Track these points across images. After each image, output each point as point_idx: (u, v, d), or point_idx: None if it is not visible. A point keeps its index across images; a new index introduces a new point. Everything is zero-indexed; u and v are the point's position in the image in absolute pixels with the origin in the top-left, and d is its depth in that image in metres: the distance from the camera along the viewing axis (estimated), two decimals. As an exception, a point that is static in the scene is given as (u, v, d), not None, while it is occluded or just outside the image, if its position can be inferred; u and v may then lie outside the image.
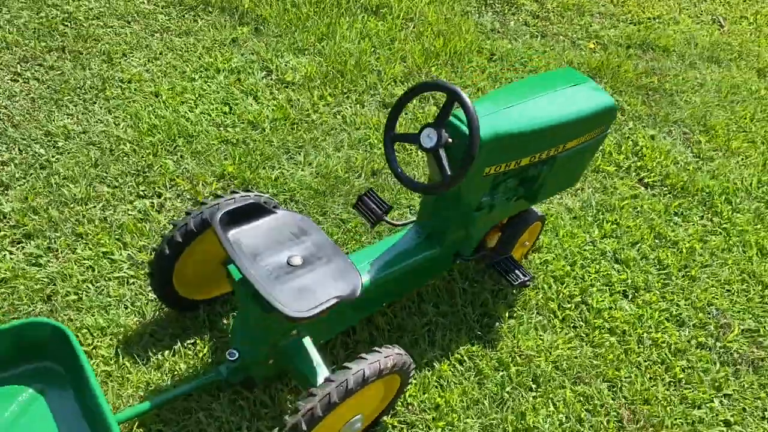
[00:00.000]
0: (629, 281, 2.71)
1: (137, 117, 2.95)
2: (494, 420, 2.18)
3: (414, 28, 3.91)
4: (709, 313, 2.66)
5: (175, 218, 2.55)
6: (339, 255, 1.91)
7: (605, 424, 2.24)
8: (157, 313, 2.27)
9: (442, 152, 1.93)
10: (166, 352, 2.16)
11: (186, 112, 3.04)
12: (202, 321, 2.26)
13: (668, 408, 2.32)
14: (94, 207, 2.55)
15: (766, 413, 2.38)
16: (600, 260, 2.78)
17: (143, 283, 2.33)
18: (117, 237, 2.46)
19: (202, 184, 2.73)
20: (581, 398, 2.29)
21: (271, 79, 3.35)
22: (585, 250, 2.81)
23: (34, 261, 2.33)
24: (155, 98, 3.08)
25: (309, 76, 3.38)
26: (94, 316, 2.21)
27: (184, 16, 3.62)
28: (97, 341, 2.15)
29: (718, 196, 3.17)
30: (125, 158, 2.76)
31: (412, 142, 1.99)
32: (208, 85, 3.22)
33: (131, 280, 2.34)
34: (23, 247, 2.37)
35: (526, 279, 2.37)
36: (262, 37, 3.59)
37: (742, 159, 3.43)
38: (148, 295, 2.30)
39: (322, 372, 1.95)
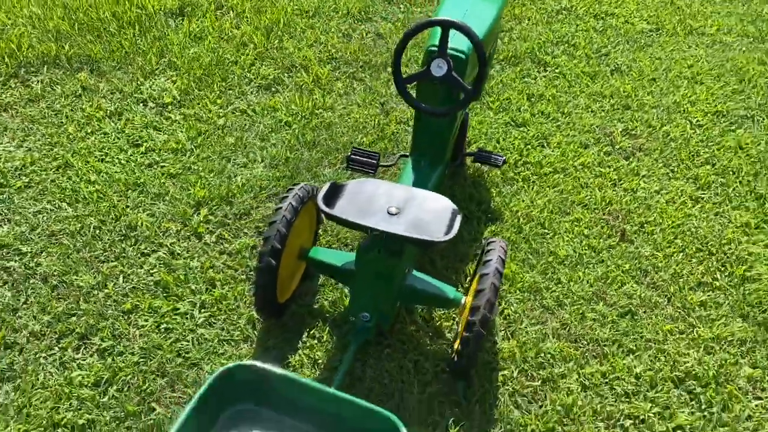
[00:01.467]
0: (537, 135, 3.38)
1: (72, 192, 2.75)
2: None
3: (230, 14, 4.01)
4: (596, 134, 3.45)
5: (227, 237, 2.56)
6: (417, 190, 2.19)
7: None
8: (251, 336, 2.34)
9: (455, 74, 2.29)
10: (296, 354, 2.28)
11: (111, 167, 2.90)
12: (290, 318, 2.39)
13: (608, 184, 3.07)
14: (115, 285, 2.42)
15: (664, 169, 3.25)
16: (508, 129, 3.40)
17: (218, 317, 2.36)
18: (164, 295, 2.41)
19: (188, 219, 2.71)
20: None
21: (153, 107, 3.28)
22: (493, 126, 3.40)
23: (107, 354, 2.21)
24: (68, 170, 2.87)
25: (182, 89, 3.37)
26: (210, 364, 2.22)
27: (10, 85, 3.29)
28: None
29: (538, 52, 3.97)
30: (100, 232, 2.61)
31: (424, 77, 2.31)
32: (105, 137, 3.06)
33: (211, 320, 2.35)
34: (88, 347, 2.22)
35: (503, 158, 2.88)
36: (106, 74, 3.44)
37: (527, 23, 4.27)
38: (234, 325, 2.34)
39: (449, 286, 2.28)
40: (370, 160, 2.73)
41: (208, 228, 2.69)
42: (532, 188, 3.06)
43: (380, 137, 3.24)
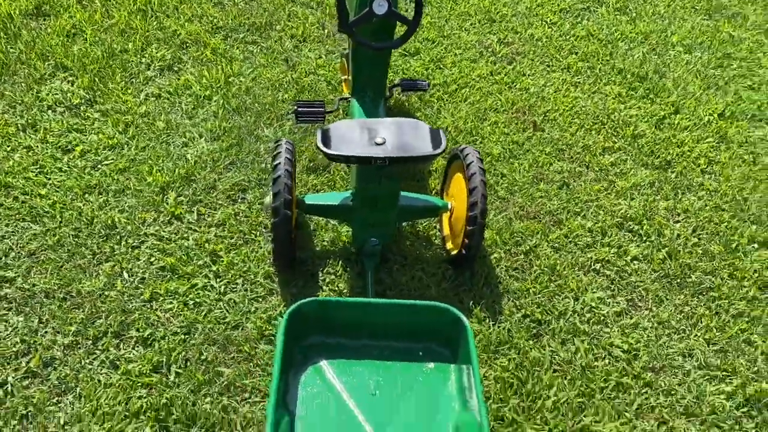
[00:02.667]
0: (432, 59, 3.72)
1: (30, 209, 2.64)
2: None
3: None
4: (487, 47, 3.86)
5: (206, 212, 2.61)
6: (388, 120, 2.44)
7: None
8: (275, 288, 2.48)
9: (395, 10, 2.52)
10: (321, 292, 2.47)
11: (54, 177, 2.80)
12: (300, 264, 2.57)
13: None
14: (122, 281, 2.43)
15: (542, 66, 3.75)
16: (405, 59, 3.70)
17: (236, 282, 2.47)
18: (175, 277, 2.46)
19: (160, 205, 2.73)
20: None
21: (64, 111, 3.15)
22: (391, 60, 3.68)
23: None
24: (11, 191, 2.73)
25: (85, 87, 3.26)
26: (250, 321, 2.35)
27: None
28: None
29: None
30: (80, 239, 2.55)
31: (368, 17, 2.51)
32: (30, 151, 2.92)
33: (231, 286, 2.46)
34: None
35: (426, 82, 3.18)
36: (-5, 89, 3.22)
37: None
38: (254, 284, 2.47)
39: (433, 197, 2.58)
40: (317, 109, 2.90)
41: (184, 209, 2.73)
42: (448, 106, 3.41)
43: (300, 90, 3.40)
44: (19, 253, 2.51)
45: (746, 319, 2.51)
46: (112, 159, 2.93)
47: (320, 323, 2.10)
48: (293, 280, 2.50)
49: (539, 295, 2.53)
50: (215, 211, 2.75)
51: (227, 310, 2.38)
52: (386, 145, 2.28)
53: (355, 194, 2.44)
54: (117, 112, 3.18)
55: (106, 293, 2.39)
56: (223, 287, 2.46)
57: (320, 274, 2.54)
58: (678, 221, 2.91)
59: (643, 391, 2.26)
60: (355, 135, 2.31)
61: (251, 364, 2.22)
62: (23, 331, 2.25)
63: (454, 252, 2.57)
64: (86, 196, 2.75)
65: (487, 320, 2.43)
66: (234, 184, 2.86)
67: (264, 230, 2.68)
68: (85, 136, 3.04)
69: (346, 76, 3.21)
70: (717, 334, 2.46)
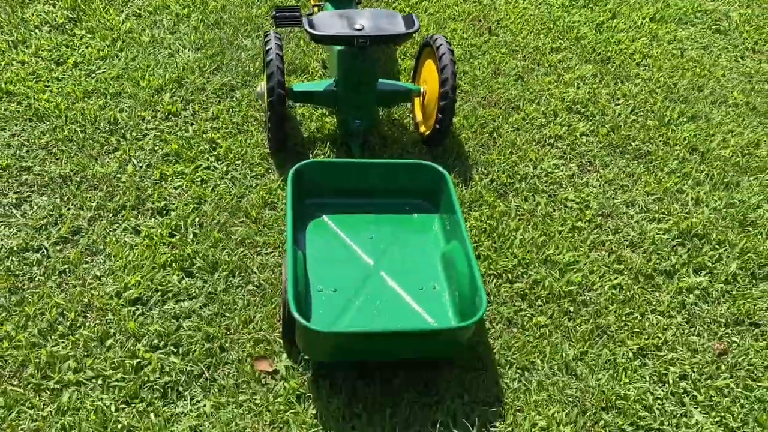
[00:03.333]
0: None
1: (35, 111, 2.85)
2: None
3: None
4: None
5: (199, 109, 2.86)
6: (362, 11, 2.72)
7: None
8: (271, 167, 2.77)
9: None
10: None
11: (53, 84, 3.00)
12: (292, 148, 2.86)
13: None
14: (132, 166, 2.66)
15: None
16: None
17: (235, 163, 2.74)
18: (180, 161, 2.71)
19: (156, 105, 2.96)
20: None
21: (51, 30, 3.32)
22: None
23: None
24: (12, 97, 2.91)
25: (69, 7, 3.43)
26: (254, 193, 2.63)
27: None
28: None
29: None
30: (87, 134, 2.77)
31: None
32: (25, 64, 3.10)
33: (232, 167, 2.73)
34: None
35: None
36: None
37: None
38: (251, 164, 2.75)
39: (406, 83, 2.90)
40: (294, 14, 3.16)
41: (179, 107, 2.98)
42: (410, 16, 3.71)
43: (271, 6, 3.64)
44: (32, 146, 2.72)
45: (678, 175, 2.94)
46: (105, 68, 3.14)
47: (319, 184, 2.41)
48: (287, 162, 2.78)
49: (503, 165, 2.89)
50: (208, 108, 3.00)
51: (231, 185, 2.66)
52: (365, 30, 2.58)
53: (338, 80, 2.73)
54: (103, 28, 3.37)
55: (119, 176, 2.64)
56: (224, 168, 2.73)
57: (310, 156, 2.83)
58: (618, 103, 3.31)
59: (595, 231, 2.65)
60: (337, 22, 2.60)
61: (259, 225, 2.51)
62: (49, 208, 2.48)
63: (428, 132, 2.89)
64: (86, 99, 2.97)
65: (460, 185, 2.77)
66: (222, 84, 3.11)
67: (254, 122, 2.95)
68: (76, 50, 3.23)
69: None
70: (654, 187, 2.87)
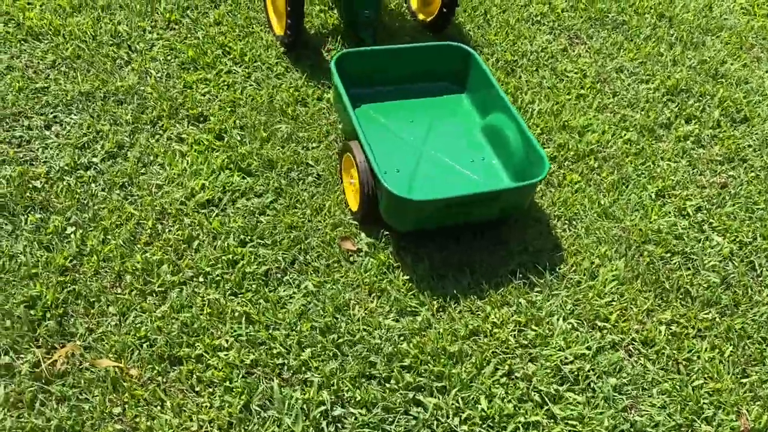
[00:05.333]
0: None
1: (29, 31, 2.68)
2: None
3: None
4: None
5: (199, 16, 2.79)
6: None
7: None
8: (290, 67, 2.79)
9: None
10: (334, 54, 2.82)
11: (44, 4, 2.82)
12: (303, 45, 2.88)
13: None
14: (152, 77, 2.60)
15: None
16: None
17: (253, 65, 2.74)
18: (200, 68, 2.67)
19: (153, 16, 2.86)
20: None
21: None
22: None
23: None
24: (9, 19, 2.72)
25: None
26: (280, 92, 2.66)
27: None
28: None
29: None
30: (91, 49, 2.66)
31: None
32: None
33: (250, 70, 2.73)
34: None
35: None
36: None
37: None
38: (270, 64, 2.76)
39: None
40: None
41: (177, 15, 2.89)
42: None
43: None
44: (38, 66, 2.59)
45: (653, 40, 3.22)
46: None
47: (354, 74, 2.47)
48: (303, 57, 2.81)
49: (503, 44, 3.05)
50: (207, 13, 2.93)
51: (258, 87, 2.67)
52: None
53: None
54: None
55: (143, 88, 2.58)
56: (245, 71, 2.72)
57: (323, 52, 2.87)
58: (587, -20, 3.53)
59: (597, 96, 2.90)
60: None
61: (298, 121, 2.57)
62: (83, 126, 2.42)
63: (431, 18, 2.99)
64: (75, 14, 2.81)
65: (470, 66, 2.92)
66: (215, -10, 3.03)
67: (257, 23, 2.93)
68: None
69: None
70: (636, 53, 3.14)
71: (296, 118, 2.58)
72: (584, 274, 2.23)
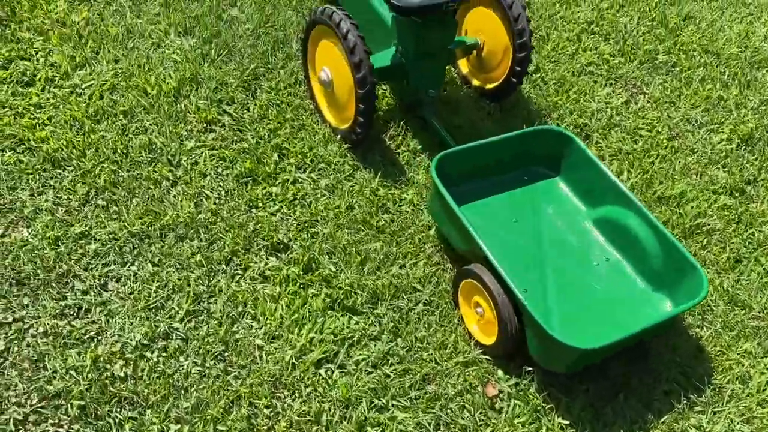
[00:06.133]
0: None
1: (50, 150, 2.21)
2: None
3: None
4: None
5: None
6: None
7: None
8: (359, 165, 2.44)
9: None
10: (399, 155, 2.48)
11: (48, 114, 2.33)
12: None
13: None
14: (219, 203, 2.21)
15: None
16: None
17: (320, 169, 2.38)
18: (269, 178, 2.30)
19: (187, 117, 2.43)
20: None
21: (-16, 39, 2.54)
22: None
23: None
24: None
25: (-10, 6, 2.62)
26: (362, 196, 2.32)
27: None
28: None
29: None
30: (130, 167, 2.22)
31: None
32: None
33: (324, 172, 2.37)
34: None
35: None
36: None
37: None
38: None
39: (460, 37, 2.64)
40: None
41: (213, 112, 2.48)
42: None
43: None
44: (69, 204, 2.14)
45: (708, 81, 3.05)
46: (91, 80, 2.49)
47: (451, 175, 2.17)
48: (368, 150, 2.47)
49: (568, 105, 2.80)
50: (247, 107, 2.53)
51: (332, 196, 2.32)
52: None
53: (407, 50, 2.41)
54: (52, 25, 2.64)
55: (203, 216, 2.18)
56: (311, 176, 2.36)
57: (386, 140, 2.53)
58: (624, 15, 3.31)
59: (677, 156, 2.70)
60: None
61: (386, 233, 2.24)
62: (146, 278, 2.00)
63: (491, 85, 2.69)
64: (96, 126, 2.36)
65: (542, 137, 2.66)
66: (244, 74, 2.62)
67: (304, 112, 2.55)
68: (35, 60, 2.52)
69: None
70: (695, 98, 2.96)
71: (383, 230, 2.25)
72: (736, 380, 2.04)
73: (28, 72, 2.47)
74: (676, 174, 2.63)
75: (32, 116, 2.35)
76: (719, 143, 2.79)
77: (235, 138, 2.42)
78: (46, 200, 2.13)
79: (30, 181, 2.17)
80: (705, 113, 2.91)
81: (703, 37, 3.26)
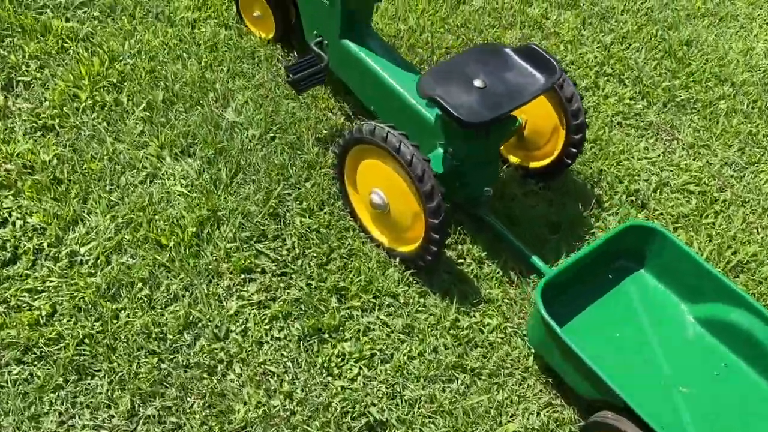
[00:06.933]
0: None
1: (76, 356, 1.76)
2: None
3: None
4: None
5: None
6: (473, 53, 2.09)
7: None
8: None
9: None
10: (464, 264, 2.18)
11: (53, 297, 1.86)
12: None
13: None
14: (290, 379, 1.83)
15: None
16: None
17: (390, 306, 2.05)
18: (336, 333, 1.94)
19: (219, 269, 2.02)
20: None
21: None
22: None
23: None
24: None
25: None
26: (447, 334, 2.00)
27: None
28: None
29: None
30: (172, 353, 1.80)
31: None
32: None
33: (393, 310, 2.03)
34: None
35: None
36: None
37: None
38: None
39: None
40: (313, 67, 2.31)
41: (245, 256, 2.07)
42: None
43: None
44: (112, 422, 1.71)
45: (732, 115, 2.91)
46: (89, 243, 2.02)
47: (549, 298, 1.90)
48: (432, 270, 2.15)
49: (612, 169, 2.58)
50: (283, 239, 2.14)
51: (409, 340, 1.99)
52: (490, 86, 1.99)
53: (471, 153, 2.10)
54: (19, 172, 2.13)
55: (276, 404, 1.80)
56: (380, 319, 2.02)
57: (449, 252, 2.22)
58: (629, 49, 3.12)
59: (732, 211, 2.54)
60: (456, 85, 1.97)
61: (484, 379, 1.95)
62: None
63: (536, 164, 2.43)
64: (115, 305, 1.91)
65: (600, 211, 2.43)
66: (268, 197, 2.22)
67: (348, 233, 2.20)
68: (10, 227, 2.02)
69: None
70: (726, 136, 2.81)
71: (479, 372, 1.96)
72: None
73: (7, 245, 1.97)
74: (738, 233, 2.47)
75: (30, 308, 1.87)
76: (765, 184, 2.66)
77: (281, 285, 2.04)
78: (84, 426, 1.69)
79: (55, 402, 1.72)
80: (741, 153, 2.77)
81: (711, 63, 3.12)
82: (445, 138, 2.11)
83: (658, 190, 2.56)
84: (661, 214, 2.49)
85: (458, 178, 2.17)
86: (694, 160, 2.72)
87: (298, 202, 2.24)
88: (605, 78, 2.96)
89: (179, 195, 2.18)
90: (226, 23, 2.79)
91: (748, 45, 3.28)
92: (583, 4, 3.30)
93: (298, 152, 2.36)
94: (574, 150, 2.29)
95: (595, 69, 2.97)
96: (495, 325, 2.06)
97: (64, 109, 2.34)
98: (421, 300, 2.08)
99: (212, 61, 2.61)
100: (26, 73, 2.45)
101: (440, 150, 2.15)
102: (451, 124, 2.02)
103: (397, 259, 2.13)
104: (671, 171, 2.65)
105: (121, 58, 2.55)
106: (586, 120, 2.39)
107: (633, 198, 2.50)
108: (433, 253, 1.99)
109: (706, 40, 3.25)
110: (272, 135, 2.40)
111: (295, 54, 2.70)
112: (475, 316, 2.08)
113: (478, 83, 2.00)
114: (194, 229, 2.08)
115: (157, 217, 2.11)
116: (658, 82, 2.98)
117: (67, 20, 2.66)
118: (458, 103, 1.91)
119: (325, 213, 2.23)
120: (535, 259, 2.12)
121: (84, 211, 2.09)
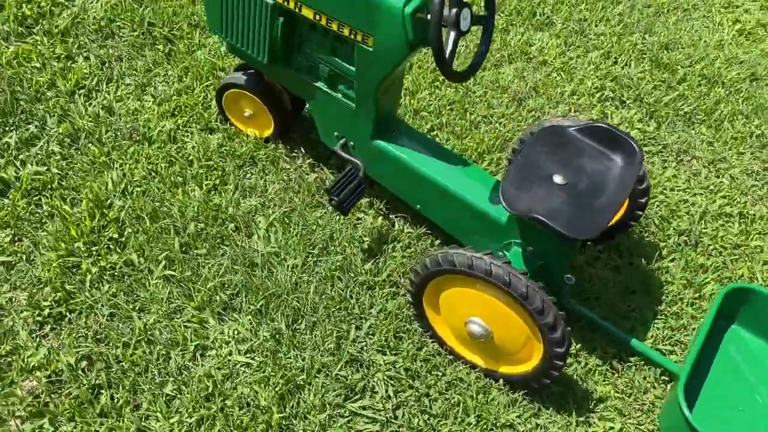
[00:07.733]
0: None
1: None
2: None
3: None
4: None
5: None
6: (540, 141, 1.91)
7: None
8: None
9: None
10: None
11: None
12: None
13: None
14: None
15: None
16: None
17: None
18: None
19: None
20: None
21: None
22: None
23: None
24: None
25: None
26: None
27: None
28: None
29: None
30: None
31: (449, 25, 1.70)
32: None
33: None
34: None
35: None
36: None
37: None
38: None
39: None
40: (353, 179, 2.03)
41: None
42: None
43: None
44: None
45: (730, 120, 2.89)
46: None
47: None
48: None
49: (653, 207, 2.48)
50: (375, 392, 1.88)
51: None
52: (572, 186, 1.83)
53: (555, 254, 1.92)
54: (50, 397, 1.73)
55: None
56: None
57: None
58: (623, 65, 3.01)
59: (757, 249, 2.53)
60: (536, 185, 1.80)
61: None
62: None
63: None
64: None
65: (641, 255, 2.33)
66: (339, 343, 1.94)
67: (440, 359, 1.97)
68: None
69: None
70: (734, 142, 2.79)
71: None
72: None
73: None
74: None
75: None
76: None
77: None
78: None
79: None
80: (754, 159, 2.76)
81: (696, 64, 3.07)
82: (525, 239, 1.92)
83: (702, 221, 2.50)
84: (714, 248, 2.43)
85: (545, 276, 1.99)
86: (717, 177, 2.67)
87: (370, 336, 1.98)
88: (608, 104, 2.85)
89: (242, 366, 1.86)
90: (210, 126, 2.42)
91: (718, 36, 3.26)
92: (557, 22, 3.15)
93: (351, 275, 2.08)
94: (640, 212, 2.17)
95: (597, 96, 2.85)
96: (618, 430, 1.93)
97: (67, 287, 1.93)
98: (536, 421, 1.91)
99: (214, 180, 2.25)
100: (1, 252, 1.99)
101: (518, 249, 1.96)
102: (544, 232, 1.82)
103: (499, 380, 1.94)
104: (704, 195, 2.59)
105: (109, 200, 2.13)
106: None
107: (686, 239, 2.43)
108: (555, 376, 1.82)
109: (681, 38, 3.20)
110: (314, 260, 2.10)
111: (302, 150, 2.38)
112: (595, 423, 1.93)
113: (558, 179, 1.83)
114: (277, 411, 1.78)
115: (228, 403, 1.78)
116: (659, 97, 2.90)
117: (23, 164, 2.20)
118: (555, 214, 1.72)
119: (405, 342, 1.99)
120: (658, 357, 2.01)
121: (142, 421, 1.73)
